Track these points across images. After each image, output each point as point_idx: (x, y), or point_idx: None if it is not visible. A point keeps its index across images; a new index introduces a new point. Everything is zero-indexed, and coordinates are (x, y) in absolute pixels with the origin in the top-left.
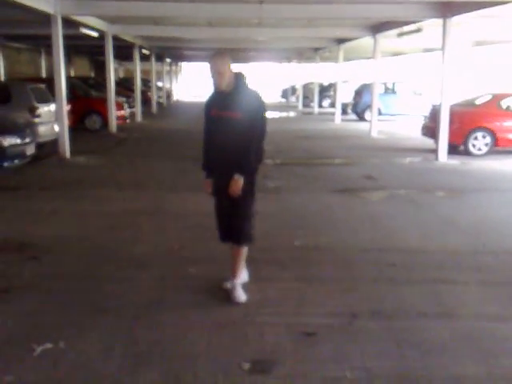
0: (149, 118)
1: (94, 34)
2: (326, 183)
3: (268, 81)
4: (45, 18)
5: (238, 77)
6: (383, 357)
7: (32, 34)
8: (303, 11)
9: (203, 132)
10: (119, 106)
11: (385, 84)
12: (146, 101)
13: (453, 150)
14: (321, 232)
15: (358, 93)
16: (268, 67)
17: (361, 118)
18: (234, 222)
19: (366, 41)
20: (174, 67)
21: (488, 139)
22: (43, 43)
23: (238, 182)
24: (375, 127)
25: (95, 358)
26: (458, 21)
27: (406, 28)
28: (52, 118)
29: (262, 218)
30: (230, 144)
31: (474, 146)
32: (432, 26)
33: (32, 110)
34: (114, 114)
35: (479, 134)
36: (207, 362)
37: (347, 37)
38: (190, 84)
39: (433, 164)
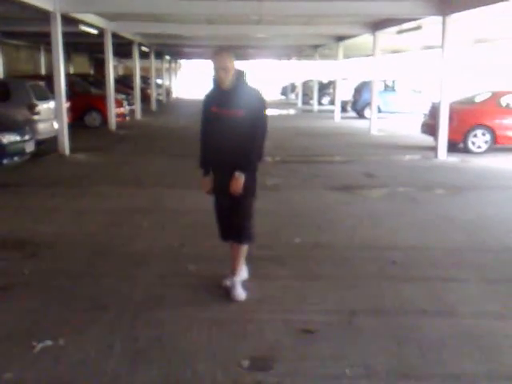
0: (148, 116)
1: (94, 31)
2: (326, 181)
3: (267, 78)
4: (44, 16)
5: (239, 74)
6: (383, 354)
7: (31, 32)
8: (303, 8)
9: (200, 129)
10: (118, 104)
11: (384, 81)
12: (145, 98)
13: (452, 147)
14: (320, 229)
15: (358, 90)
16: (267, 64)
17: (360, 115)
18: (234, 220)
19: (366, 38)
20: (173, 64)
21: (487, 137)
22: (42, 40)
23: (240, 179)
24: (375, 125)
25: (95, 355)
26: (457, 18)
27: (405, 25)
28: (51, 116)
29: (262, 215)
30: (232, 142)
31: (473, 143)
32: (432, 23)
33: (31, 108)
34: (113, 111)
35: (479, 132)
36: (206, 359)
37: (347, 34)
38: (190, 81)
39: (432, 162)
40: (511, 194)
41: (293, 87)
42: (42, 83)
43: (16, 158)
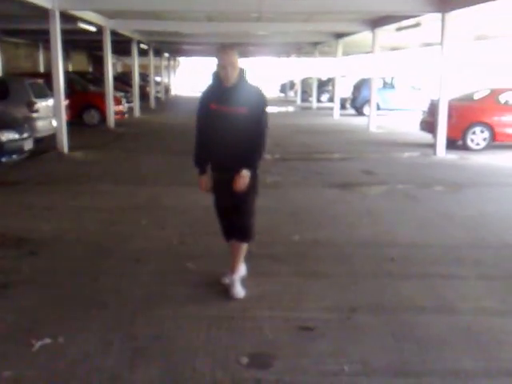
0: (147, 113)
1: (92, 28)
2: (325, 178)
3: (267, 75)
4: (43, 13)
5: (240, 72)
6: (381, 351)
7: (30, 29)
8: (302, 5)
9: (196, 127)
10: (117, 101)
11: (383, 79)
12: (144, 96)
13: (451, 144)
14: (319, 227)
15: (357, 87)
16: (267, 62)
17: (359, 112)
18: (238, 219)
19: (365, 35)
20: (172, 62)
21: (486, 134)
22: (41, 38)
23: (246, 177)
24: (374, 122)
25: (94, 353)
26: (456, 15)
27: (404, 22)
28: (50, 113)
29: (261, 212)
30: (233, 140)
31: (472, 140)
32: (431, 20)
33: (30, 105)
34: (112, 108)
35: (477, 129)
36: (206, 357)
37: (346, 31)
38: (188, 79)
39: (431, 159)
40: (510, 191)
41: (292, 84)
42: (40, 81)
43: (14, 156)
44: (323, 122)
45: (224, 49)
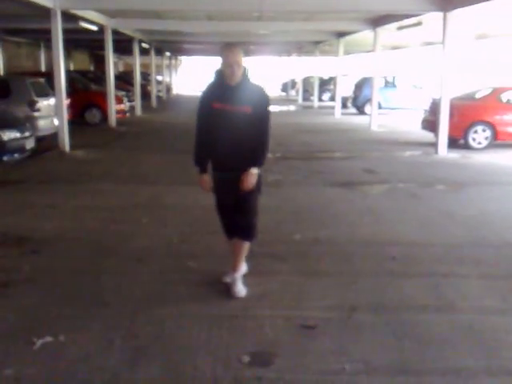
0: (148, 112)
1: (94, 27)
2: (326, 177)
3: (268, 74)
4: (44, 12)
5: (244, 70)
6: (383, 350)
7: (31, 28)
8: (303, 4)
9: (196, 125)
10: (119, 100)
11: (385, 78)
12: (145, 95)
13: (453, 143)
14: (321, 225)
15: (358, 86)
16: (268, 61)
17: (361, 111)
18: (241, 218)
19: (366, 34)
20: (173, 61)
21: (488, 133)
22: (43, 37)
23: (254, 175)
24: (375, 121)
25: (95, 352)
26: (458, 14)
27: (406, 21)
28: (51, 112)
29: (262, 211)
30: (238, 138)
31: (473, 139)
32: (432, 19)
33: (31, 104)
34: (113, 107)
35: (479, 128)
36: (207, 355)
37: (347, 30)
38: (190, 78)
39: (433, 157)
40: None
41: (293, 83)
42: (42, 80)
43: (16, 155)
44: (325, 120)
45: (230, 47)
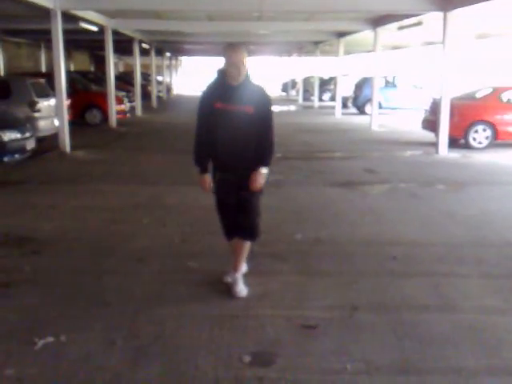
0: (149, 113)
1: (94, 28)
2: (327, 177)
3: (268, 75)
4: (44, 13)
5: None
6: (384, 349)
7: (32, 29)
8: (303, 4)
9: (197, 125)
10: (119, 101)
11: (385, 77)
12: (145, 95)
13: (453, 143)
14: (321, 225)
15: (359, 86)
16: (268, 61)
17: (361, 111)
18: (244, 218)
19: (367, 34)
20: (173, 61)
21: (488, 132)
22: (43, 38)
23: (263, 175)
24: (376, 121)
25: (96, 352)
26: (458, 14)
27: (406, 21)
28: (52, 113)
29: (263, 211)
30: (240, 139)
31: (474, 139)
32: (433, 19)
33: (32, 105)
34: (114, 108)
35: (480, 128)
36: (208, 355)
37: (347, 30)
38: (190, 78)
39: (433, 157)
40: None
41: (293, 83)
42: (42, 80)
43: (17, 156)
44: (325, 120)
45: (234, 47)
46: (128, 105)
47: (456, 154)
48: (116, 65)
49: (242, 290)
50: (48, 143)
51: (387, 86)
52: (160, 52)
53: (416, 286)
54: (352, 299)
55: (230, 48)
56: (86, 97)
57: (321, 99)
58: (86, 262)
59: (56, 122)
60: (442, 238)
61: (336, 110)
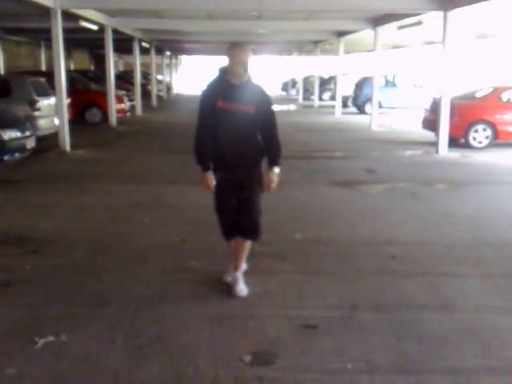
0: (149, 111)
1: (94, 27)
2: (326, 176)
3: (269, 74)
4: (44, 12)
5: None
6: (384, 349)
7: (32, 28)
8: (303, 4)
9: (198, 124)
10: (119, 100)
11: (385, 77)
12: (145, 94)
13: (453, 142)
14: (321, 225)
15: (359, 86)
16: (268, 60)
17: (361, 110)
18: (246, 217)
19: (367, 33)
20: (173, 60)
21: (488, 132)
22: (43, 36)
23: (277, 174)
24: (375, 120)
25: (97, 351)
26: (458, 13)
27: (406, 21)
28: (52, 112)
29: (263, 211)
30: (242, 138)
31: (474, 138)
32: (433, 18)
33: (32, 104)
34: (113, 107)
35: (480, 127)
36: (208, 355)
37: (347, 29)
38: (190, 77)
39: (433, 157)
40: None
41: (293, 83)
42: (42, 79)
43: (17, 155)
44: (325, 120)
45: (238, 46)
46: (128, 104)
47: (456, 154)
48: (116, 64)
49: (242, 289)
50: (48, 142)
51: (387, 86)
52: (160, 51)
53: (415, 286)
54: (352, 299)
55: (236, 47)
56: (85, 96)
57: (321, 98)
58: (87, 261)
59: (56, 121)
60: (442, 238)
61: (336, 109)
